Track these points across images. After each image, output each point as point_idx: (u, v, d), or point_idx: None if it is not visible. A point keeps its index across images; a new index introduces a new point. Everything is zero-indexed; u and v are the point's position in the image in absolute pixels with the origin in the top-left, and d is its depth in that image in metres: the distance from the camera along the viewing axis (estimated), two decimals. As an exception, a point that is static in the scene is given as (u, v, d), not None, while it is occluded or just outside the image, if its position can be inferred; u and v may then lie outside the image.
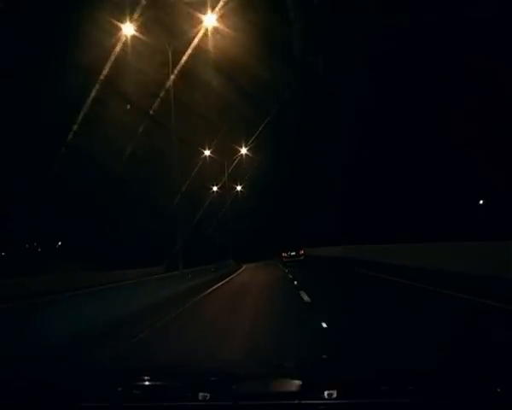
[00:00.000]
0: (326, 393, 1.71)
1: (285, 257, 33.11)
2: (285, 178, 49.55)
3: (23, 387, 2.00)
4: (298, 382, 2.05)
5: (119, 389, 2.00)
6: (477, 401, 1.59)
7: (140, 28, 13.58)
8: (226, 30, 13.72)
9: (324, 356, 4.28)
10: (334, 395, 1.69)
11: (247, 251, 45.81)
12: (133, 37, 13.97)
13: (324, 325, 6.87)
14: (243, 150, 37.23)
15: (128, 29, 13.70)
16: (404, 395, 1.67)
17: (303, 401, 1.63)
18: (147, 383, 2.17)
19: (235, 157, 37.07)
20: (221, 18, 13.47)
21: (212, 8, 13.10)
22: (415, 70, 24.80)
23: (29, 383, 2.08)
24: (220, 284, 18.43)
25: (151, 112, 22.78)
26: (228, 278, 21.54)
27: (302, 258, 32.46)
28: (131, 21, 13.47)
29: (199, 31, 13.76)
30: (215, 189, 40.13)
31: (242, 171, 40.30)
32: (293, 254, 33.15)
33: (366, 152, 31.15)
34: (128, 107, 25.85)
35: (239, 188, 44.39)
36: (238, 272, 28.39)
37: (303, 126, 40.52)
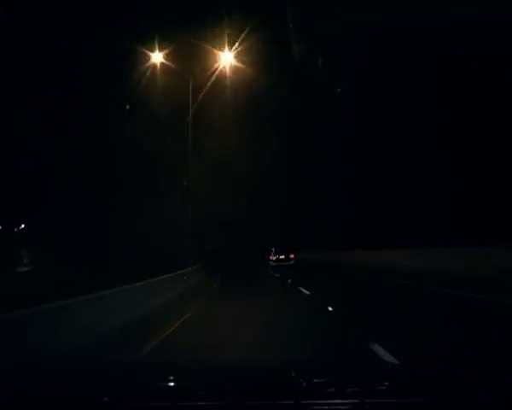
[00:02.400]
0: (326, 393, 1.70)
1: (272, 260, 31.03)
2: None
3: None
4: (297, 382, 2.03)
5: (121, 388, 1.96)
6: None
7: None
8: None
9: (324, 356, 4.27)
10: (334, 396, 1.67)
11: (226, 254, 38.12)
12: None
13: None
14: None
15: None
16: (405, 395, 1.66)
17: (303, 402, 1.61)
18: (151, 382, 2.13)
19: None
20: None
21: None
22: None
23: None
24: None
25: None
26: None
27: (292, 262, 29.90)
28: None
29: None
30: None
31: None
32: (283, 257, 30.47)
33: (366, 147, 30.24)
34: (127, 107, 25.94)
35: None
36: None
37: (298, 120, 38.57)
